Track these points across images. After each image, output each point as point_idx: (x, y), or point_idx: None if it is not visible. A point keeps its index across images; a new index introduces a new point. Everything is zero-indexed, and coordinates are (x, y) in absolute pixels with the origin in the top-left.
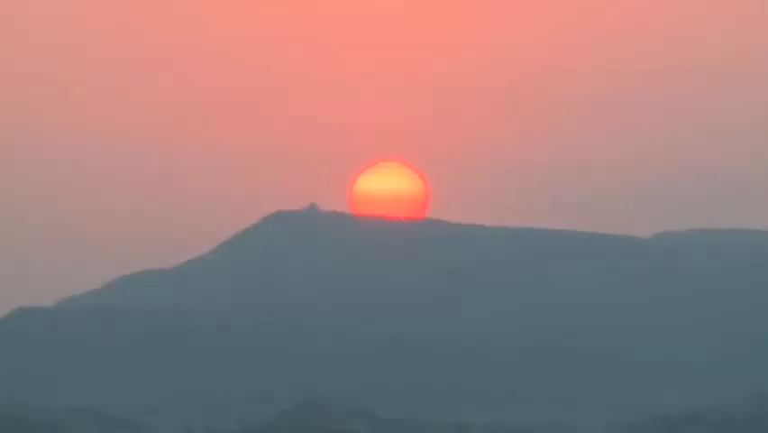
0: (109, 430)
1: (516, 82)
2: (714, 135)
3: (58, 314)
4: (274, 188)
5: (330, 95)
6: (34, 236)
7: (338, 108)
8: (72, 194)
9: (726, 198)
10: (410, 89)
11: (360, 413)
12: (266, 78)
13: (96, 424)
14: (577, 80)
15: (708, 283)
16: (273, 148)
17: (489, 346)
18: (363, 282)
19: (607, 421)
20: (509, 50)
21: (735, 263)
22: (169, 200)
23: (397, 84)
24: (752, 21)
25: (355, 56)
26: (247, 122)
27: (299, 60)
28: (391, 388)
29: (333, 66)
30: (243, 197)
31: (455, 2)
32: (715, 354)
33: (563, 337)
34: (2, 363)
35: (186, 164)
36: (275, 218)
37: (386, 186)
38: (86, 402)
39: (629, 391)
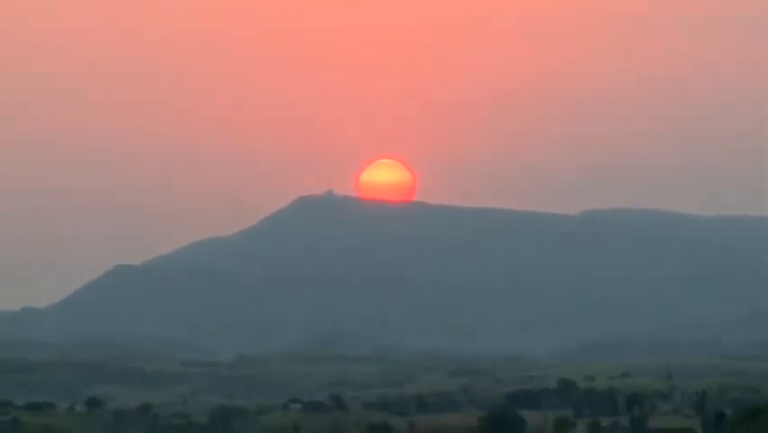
0: (183, 352)
1: (482, 104)
2: (637, 126)
3: (145, 270)
4: (301, 178)
5: (342, 110)
6: (131, 211)
7: (348, 120)
8: (161, 181)
9: (647, 182)
10: (402, 108)
11: (370, 341)
12: (298, 96)
13: (170, 346)
14: (527, 92)
15: (626, 250)
16: (301, 149)
17: (459, 290)
18: (368, 247)
19: (544, 347)
20: (484, 77)
21: (651, 239)
22: (227, 186)
23: (392, 103)
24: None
25: (365, 80)
26: (283, 129)
27: (325, 82)
28: (393, 320)
29: (349, 88)
30: (280, 184)
31: (445, 32)
32: (623, 300)
33: (515, 287)
34: (106, 306)
35: (239, 160)
36: (302, 200)
37: (384, 177)
38: (166, 334)
39: (561, 326)
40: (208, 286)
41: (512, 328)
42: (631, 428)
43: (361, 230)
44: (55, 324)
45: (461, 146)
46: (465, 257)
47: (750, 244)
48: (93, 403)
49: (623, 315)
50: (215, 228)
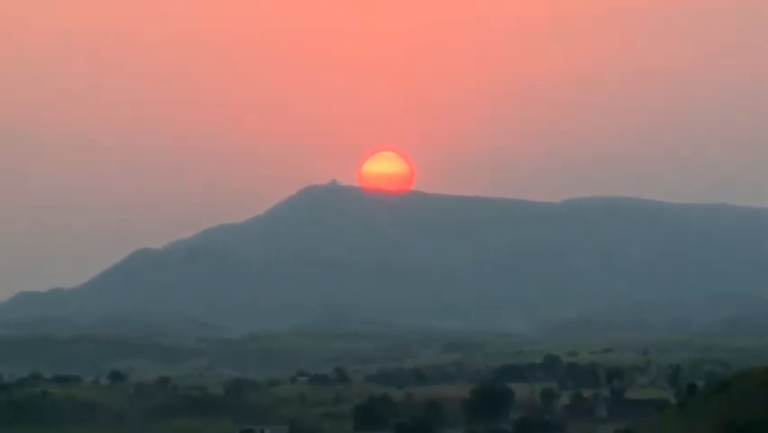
0: (199, 329)
1: (474, 102)
2: (615, 122)
3: (165, 253)
4: (308, 169)
5: (346, 107)
6: (152, 199)
7: (351, 116)
8: (181, 172)
9: (625, 172)
10: (400, 105)
11: (371, 320)
12: (306, 95)
13: (188, 324)
14: (511, 88)
15: (606, 235)
16: (308, 143)
17: (453, 272)
18: (369, 232)
19: (531, 325)
20: (475, 77)
21: (628, 225)
22: (240, 176)
23: (391, 101)
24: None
25: (367, 80)
26: (292, 125)
27: (330, 82)
28: (392, 300)
29: (352, 87)
30: (288, 175)
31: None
32: (603, 282)
33: (504, 269)
34: (128, 286)
35: (251, 153)
36: (309, 189)
37: (384, 168)
38: (184, 312)
39: (546, 305)
40: (222, 268)
41: (501, 307)
42: (611, 399)
43: (362, 217)
44: (81, 303)
45: (455, 140)
46: (458, 242)
47: (721, 231)
48: (116, 376)
49: (603, 295)
50: (229, 215)
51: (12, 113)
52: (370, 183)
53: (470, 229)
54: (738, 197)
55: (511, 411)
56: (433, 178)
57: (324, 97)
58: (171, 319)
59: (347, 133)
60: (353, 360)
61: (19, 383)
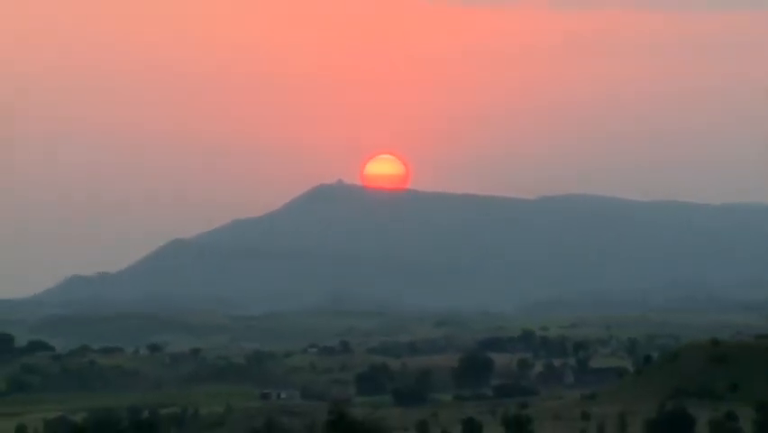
0: (224, 308)
1: (461, 113)
2: (581, 131)
3: (195, 243)
4: (318, 170)
5: (352, 117)
6: (184, 196)
7: (356, 124)
8: (208, 172)
9: (596, 170)
10: (398, 116)
11: (372, 300)
12: (318, 106)
13: (214, 303)
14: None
15: (575, 228)
16: (318, 147)
17: (443, 258)
18: (371, 225)
19: (510, 304)
20: (463, 93)
21: (594, 219)
22: (259, 176)
23: (390, 112)
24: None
25: (369, 95)
26: (305, 131)
27: (338, 95)
28: (390, 283)
29: (357, 100)
30: (300, 174)
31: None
32: (571, 268)
33: (487, 256)
34: (164, 271)
35: (269, 154)
36: (319, 188)
37: (383, 169)
38: (211, 293)
39: (523, 287)
40: (244, 256)
41: (484, 289)
42: (577, 367)
43: (364, 212)
44: (123, 285)
45: (446, 145)
46: (448, 233)
47: (674, 225)
48: (153, 348)
49: (572, 279)
50: (250, 210)
51: (68, 113)
52: (371, 182)
53: (457, 222)
54: (686, 194)
55: (492, 378)
56: (426, 178)
57: (333, 108)
58: (200, 299)
59: (352, 139)
60: (356, 334)
61: (70, 354)
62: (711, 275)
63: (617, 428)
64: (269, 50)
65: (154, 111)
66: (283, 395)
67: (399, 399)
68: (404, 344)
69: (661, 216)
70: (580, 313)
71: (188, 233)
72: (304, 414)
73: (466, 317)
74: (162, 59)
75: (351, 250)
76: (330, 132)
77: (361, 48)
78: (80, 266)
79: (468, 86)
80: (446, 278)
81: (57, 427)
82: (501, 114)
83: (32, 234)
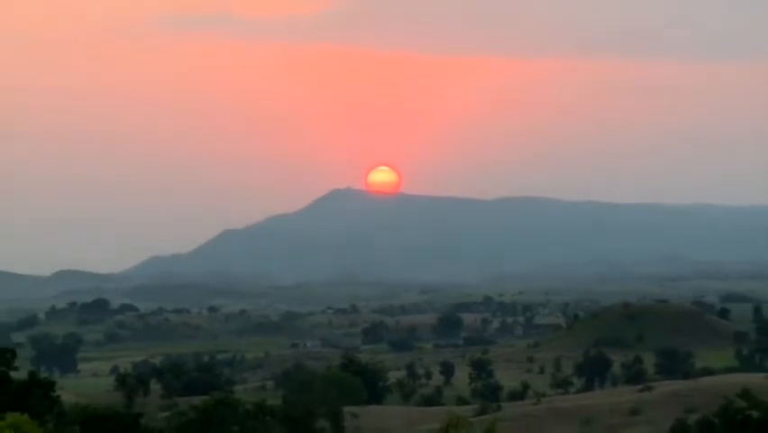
0: (264, 280)
1: (445, 132)
2: (538, 139)
3: (243, 232)
4: (333, 177)
5: (359, 137)
6: (232, 195)
7: (361, 144)
8: (252, 176)
9: (554, 174)
10: (392, 136)
11: (374, 274)
12: (334, 129)
13: (256, 277)
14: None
15: (525, 224)
16: (336, 160)
17: (427, 245)
18: (372, 222)
19: (475, 277)
20: (449, 116)
21: (540, 218)
22: (291, 180)
23: (386, 132)
24: None
25: (372, 121)
26: (326, 147)
27: (348, 122)
28: (385, 263)
29: (363, 124)
30: (322, 180)
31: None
32: (521, 254)
33: (460, 245)
34: (219, 253)
35: (298, 164)
36: (334, 192)
37: (382, 177)
38: (254, 269)
39: (485, 266)
40: (279, 242)
41: (457, 266)
42: (525, 323)
43: (368, 210)
44: (190, 263)
45: (431, 158)
46: (431, 226)
47: (593, 219)
48: (212, 309)
49: (520, 262)
50: (283, 207)
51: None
52: (373, 187)
53: (439, 217)
54: (601, 194)
55: (462, 332)
56: (414, 184)
57: (345, 131)
58: (246, 274)
59: (359, 155)
60: (362, 299)
61: (151, 314)
62: (623, 255)
63: (554, 368)
64: (300, 91)
65: (223, 138)
66: (308, 344)
67: (394, 347)
68: (396, 306)
69: (585, 213)
70: (527, 284)
71: (238, 224)
72: (324, 358)
73: (443, 287)
74: (231, 79)
75: (358, 238)
76: (342, 149)
77: (364, 85)
78: (158, 249)
79: (452, 110)
80: (429, 258)
81: (141, 367)
82: (475, 134)
83: (123, 224)
